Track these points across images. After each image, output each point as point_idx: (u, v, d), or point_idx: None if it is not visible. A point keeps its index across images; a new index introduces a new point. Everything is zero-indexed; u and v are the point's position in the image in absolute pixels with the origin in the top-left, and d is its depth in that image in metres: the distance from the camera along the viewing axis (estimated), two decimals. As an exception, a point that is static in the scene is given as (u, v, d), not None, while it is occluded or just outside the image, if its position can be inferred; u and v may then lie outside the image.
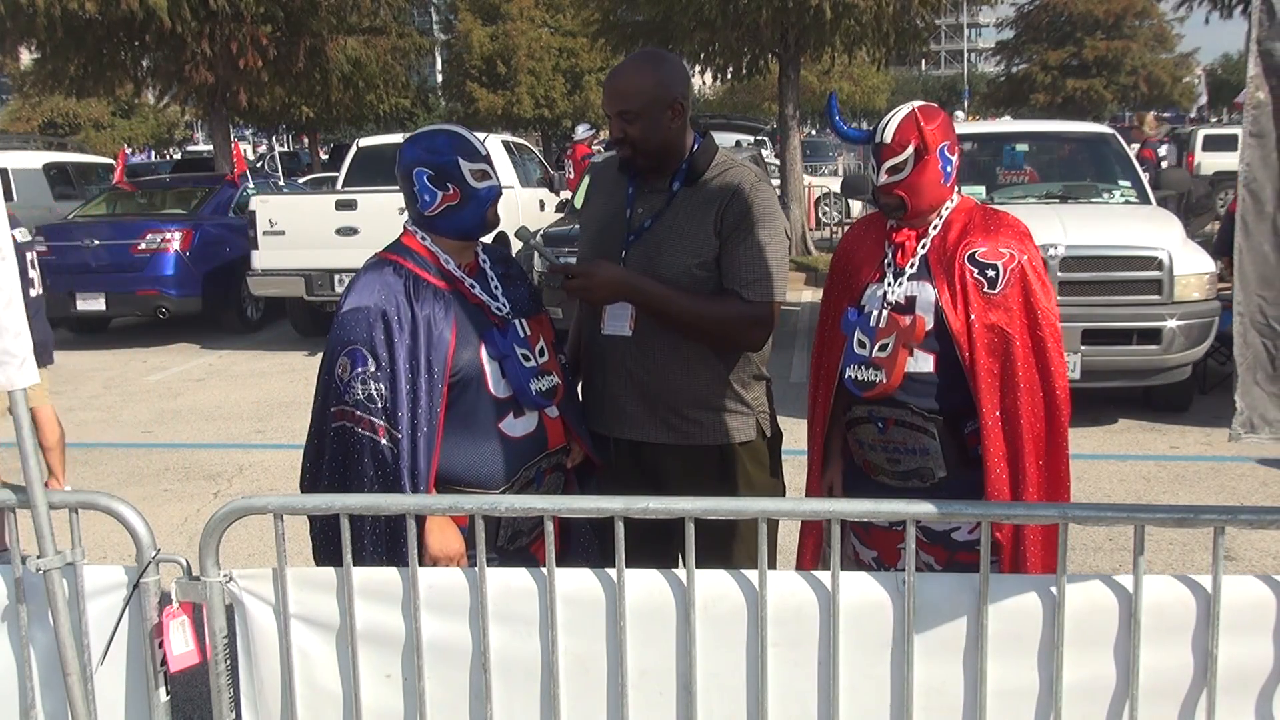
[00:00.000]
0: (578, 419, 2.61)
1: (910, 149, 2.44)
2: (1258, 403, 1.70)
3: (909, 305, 2.49)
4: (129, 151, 25.64)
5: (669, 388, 2.55)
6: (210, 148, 20.92)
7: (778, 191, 2.70)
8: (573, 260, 2.66)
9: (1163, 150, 12.97)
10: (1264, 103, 1.63)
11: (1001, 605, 1.92)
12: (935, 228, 2.52)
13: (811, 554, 2.68)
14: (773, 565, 2.47)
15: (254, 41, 14.87)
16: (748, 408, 2.60)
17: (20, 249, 4.94)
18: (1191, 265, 6.44)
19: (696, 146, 2.58)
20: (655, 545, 2.29)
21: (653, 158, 2.55)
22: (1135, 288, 6.39)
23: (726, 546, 2.50)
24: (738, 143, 14.58)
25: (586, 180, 10.90)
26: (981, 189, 7.53)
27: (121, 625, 2.14)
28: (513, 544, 2.46)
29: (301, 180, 17.06)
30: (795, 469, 3.17)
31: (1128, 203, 7.51)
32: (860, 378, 2.51)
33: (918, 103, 2.55)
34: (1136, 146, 11.88)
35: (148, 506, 5.20)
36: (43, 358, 4.92)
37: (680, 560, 2.03)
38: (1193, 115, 43.55)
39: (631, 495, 2.07)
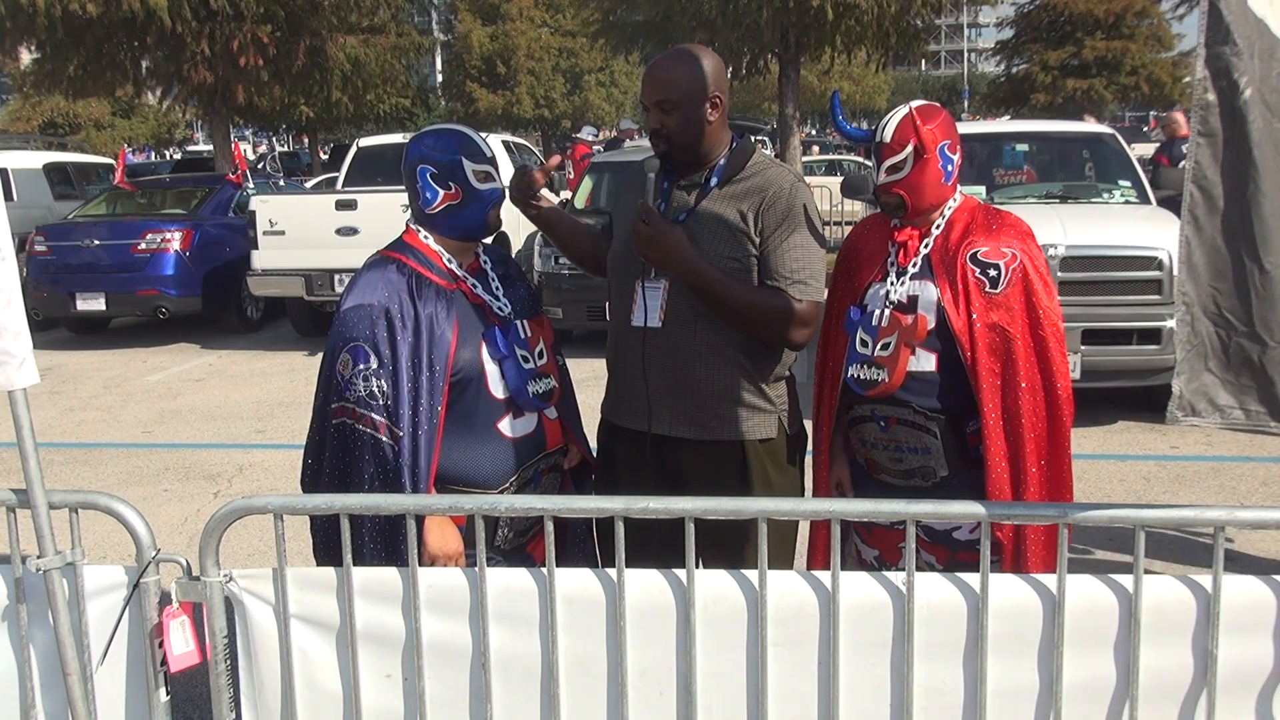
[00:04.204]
0: (575, 420, 2.61)
1: (909, 148, 2.44)
2: (1207, 388, 1.81)
3: (911, 304, 2.49)
4: (129, 151, 25.62)
5: (694, 382, 2.55)
6: (210, 148, 20.91)
7: None
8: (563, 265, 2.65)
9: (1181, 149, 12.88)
10: (1212, 103, 1.72)
11: (1001, 605, 1.92)
12: (938, 227, 2.52)
13: (824, 553, 2.67)
14: (789, 566, 2.47)
15: (254, 40, 14.87)
16: (771, 404, 2.60)
17: None
18: (1191, 265, 6.43)
19: (735, 145, 2.59)
20: (659, 545, 2.28)
21: (688, 151, 2.54)
22: (1135, 288, 6.38)
23: (740, 549, 2.49)
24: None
25: (587, 179, 10.94)
26: (981, 189, 7.52)
27: (121, 625, 2.14)
28: (509, 544, 2.46)
29: (310, 183, 16.99)
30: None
31: (1128, 203, 7.51)
32: (863, 377, 2.51)
33: (918, 102, 2.55)
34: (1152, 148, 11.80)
35: (148, 506, 5.20)
36: None
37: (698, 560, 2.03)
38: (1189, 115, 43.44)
39: (641, 494, 2.07)
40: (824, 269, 2.56)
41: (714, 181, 2.56)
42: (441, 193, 2.40)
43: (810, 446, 2.74)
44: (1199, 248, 1.76)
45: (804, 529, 2.75)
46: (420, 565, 2.08)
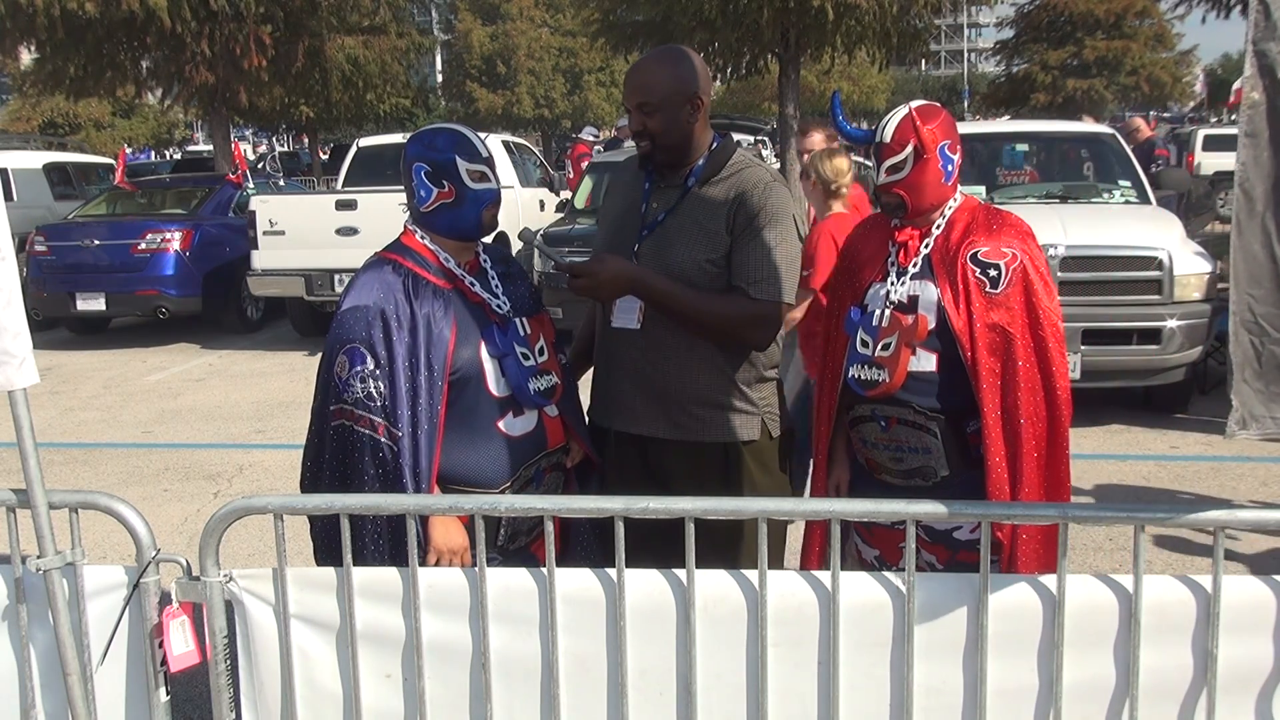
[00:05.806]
0: (577, 418, 2.61)
1: (909, 148, 2.44)
2: (1247, 399, 1.73)
3: (912, 304, 2.49)
4: (129, 151, 25.59)
5: (674, 383, 2.55)
6: (210, 148, 20.90)
7: None
8: (577, 259, 2.66)
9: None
10: (1258, 102, 1.67)
11: (1001, 605, 1.92)
12: (938, 227, 2.52)
13: (818, 553, 2.67)
14: (779, 566, 2.47)
15: (256, 40, 14.87)
16: (754, 406, 2.60)
17: None
18: (1191, 265, 6.44)
19: (715, 145, 2.60)
20: (658, 544, 2.29)
21: (671, 152, 2.56)
22: (1135, 288, 6.39)
23: (733, 548, 2.49)
24: (737, 143, 14.57)
25: (587, 179, 10.94)
26: (981, 189, 7.52)
27: (121, 625, 2.14)
28: (513, 544, 2.46)
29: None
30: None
31: (1128, 203, 7.51)
32: (864, 377, 2.51)
33: (918, 102, 2.55)
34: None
35: (148, 506, 5.20)
36: None
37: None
38: (1189, 114, 43.49)
39: (632, 494, 2.07)
40: (795, 269, 2.55)
41: (692, 181, 2.57)
42: (435, 191, 2.40)
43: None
44: (1240, 253, 1.70)
45: (796, 531, 2.75)
46: (425, 562, 2.08)
